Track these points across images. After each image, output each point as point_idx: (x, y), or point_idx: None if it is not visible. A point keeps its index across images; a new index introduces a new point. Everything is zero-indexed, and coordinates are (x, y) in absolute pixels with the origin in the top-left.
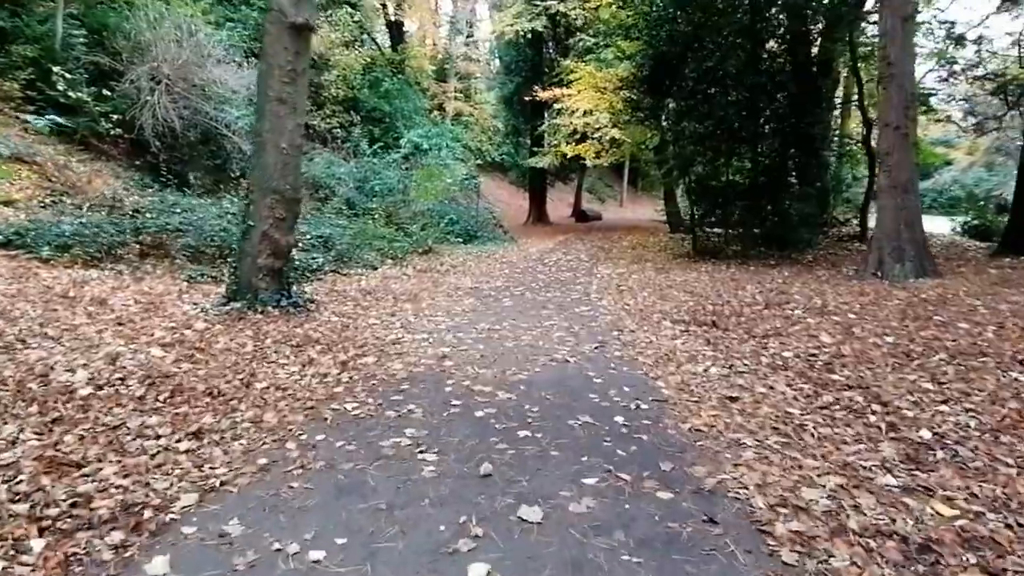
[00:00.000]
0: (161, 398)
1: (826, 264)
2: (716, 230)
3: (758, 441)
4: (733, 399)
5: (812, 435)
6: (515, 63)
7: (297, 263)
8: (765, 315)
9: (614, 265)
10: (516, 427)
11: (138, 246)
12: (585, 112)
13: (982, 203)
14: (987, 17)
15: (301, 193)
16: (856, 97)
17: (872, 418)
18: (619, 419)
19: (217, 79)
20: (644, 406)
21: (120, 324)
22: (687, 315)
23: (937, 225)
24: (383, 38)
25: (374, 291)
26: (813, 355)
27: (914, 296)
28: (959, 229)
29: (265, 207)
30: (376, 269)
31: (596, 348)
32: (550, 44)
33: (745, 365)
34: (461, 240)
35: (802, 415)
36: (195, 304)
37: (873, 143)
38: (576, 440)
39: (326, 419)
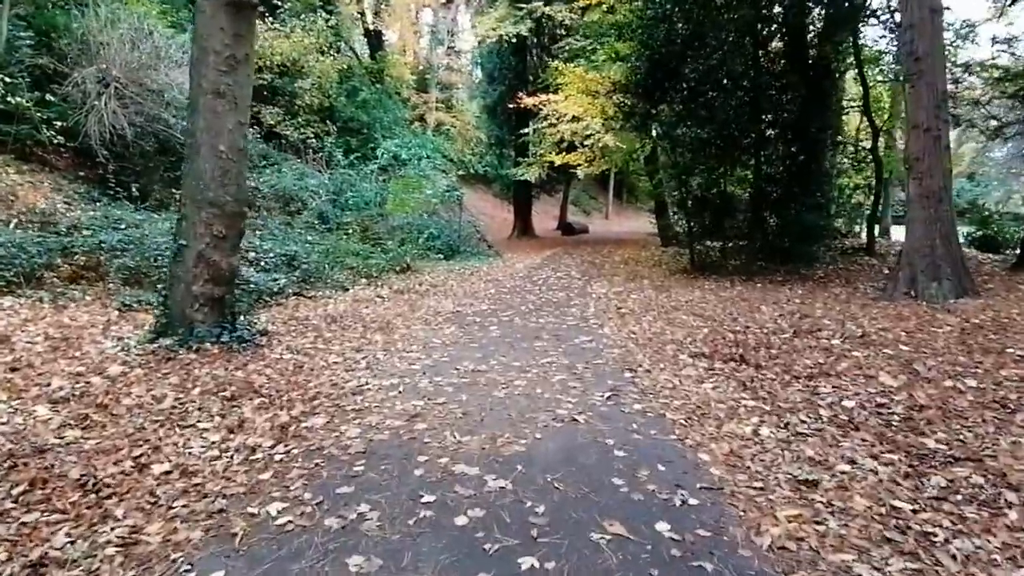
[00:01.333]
0: (15, 492)
1: (840, 281)
2: (715, 243)
3: (878, 570)
4: (811, 484)
5: (951, 555)
6: (498, 71)
7: (253, 286)
8: (798, 346)
9: (609, 283)
10: (516, 547)
11: (68, 268)
12: (573, 118)
13: (987, 214)
14: (999, 17)
15: (245, 206)
16: (857, 101)
17: (1013, 516)
18: (663, 528)
19: (176, 84)
20: (693, 500)
21: (14, 370)
22: (706, 346)
23: None
24: (362, 48)
25: (341, 318)
26: (883, 405)
27: (965, 321)
28: (963, 240)
29: (201, 223)
30: (347, 290)
31: (609, 398)
32: (534, 52)
33: (803, 423)
34: (442, 256)
35: (916, 512)
36: (120, 340)
37: (881, 150)
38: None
39: (235, 535)
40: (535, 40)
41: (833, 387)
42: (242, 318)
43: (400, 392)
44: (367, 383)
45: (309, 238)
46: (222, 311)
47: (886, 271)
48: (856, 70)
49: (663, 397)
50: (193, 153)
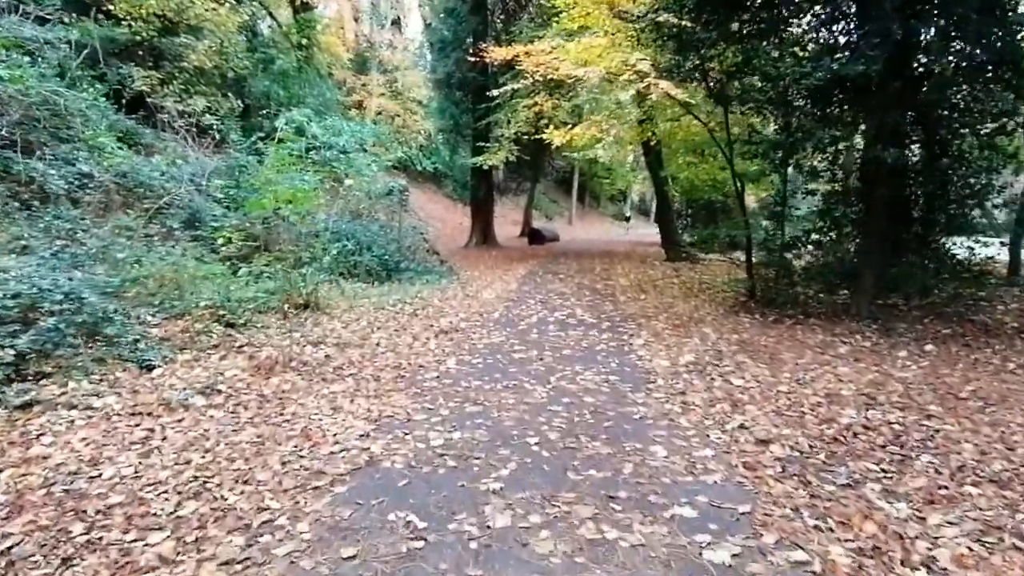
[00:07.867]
0: None
1: None
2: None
3: None
4: None
5: None
6: (452, 33)
7: None
8: None
9: (657, 339)
10: None
11: None
12: (579, 64)
13: None
14: None
15: None
16: None
17: None
18: None
19: None
20: None
21: None
22: None
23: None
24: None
25: (45, 505)
26: None
27: None
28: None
29: None
30: (151, 369)
31: None
32: (499, 15)
33: None
34: (373, 278)
35: None
36: None
37: None
38: None
39: None
40: None
41: None
42: None
43: None
44: None
45: (121, 255)
46: None
47: None
48: None
49: None
50: None
